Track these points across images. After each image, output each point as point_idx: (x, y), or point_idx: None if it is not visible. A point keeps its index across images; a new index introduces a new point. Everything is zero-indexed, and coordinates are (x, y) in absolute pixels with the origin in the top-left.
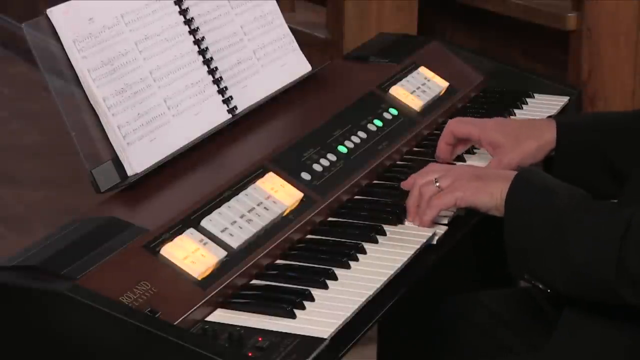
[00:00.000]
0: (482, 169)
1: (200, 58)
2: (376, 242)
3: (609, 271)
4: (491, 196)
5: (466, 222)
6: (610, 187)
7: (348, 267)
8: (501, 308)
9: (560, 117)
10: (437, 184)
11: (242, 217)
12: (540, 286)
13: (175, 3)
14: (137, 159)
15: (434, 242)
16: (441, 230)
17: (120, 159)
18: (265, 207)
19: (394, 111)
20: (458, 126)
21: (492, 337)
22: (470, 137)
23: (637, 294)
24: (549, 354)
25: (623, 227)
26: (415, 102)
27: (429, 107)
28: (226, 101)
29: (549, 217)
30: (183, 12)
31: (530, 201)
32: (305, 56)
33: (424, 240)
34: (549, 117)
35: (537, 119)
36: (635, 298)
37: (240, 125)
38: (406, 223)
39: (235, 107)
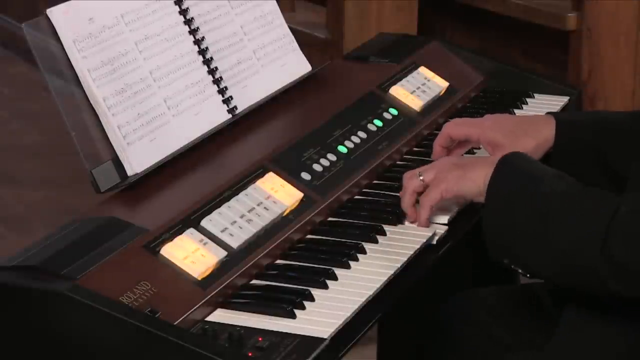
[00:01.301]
0: (464, 157)
1: (200, 58)
2: (376, 242)
3: (593, 258)
4: (474, 182)
5: (468, 220)
6: (606, 186)
7: (348, 267)
8: (500, 305)
9: (559, 114)
10: (421, 178)
11: (242, 217)
12: (520, 271)
13: (175, 3)
14: (137, 159)
15: (434, 242)
16: (441, 230)
17: (120, 159)
18: (265, 207)
19: (394, 111)
20: (455, 128)
21: (491, 336)
22: (469, 138)
23: (620, 282)
24: (551, 353)
25: (610, 213)
26: (415, 102)
27: (429, 107)
28: (226, 101)
29: (532, 201)
30: (183, 12)
31: (513, 185)
32: (305, 56)
33: (424, 240)
34: (548, 113)
35: (535, 116)
36: (618, 285)
37: (240, 125)
38: (406, 223)
39: (235, 107)
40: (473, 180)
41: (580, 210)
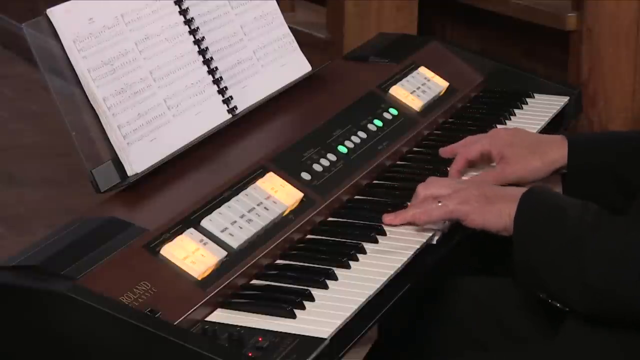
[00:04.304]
0: (487, 188)
1: (200, 58)
2: (376, 242)
3: (631, 291)
4: (499, 218)
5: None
6: (625, 205)
7: (348, 267)
8: (489, 298)
9: (571, 136)
10: (440, 204)
11: (242, 217)
12: (558, 305)
13: (175, 3)
14: (137, 159)
15: (434, 242)
16: (441, 230)
17: (120, 159)
18: (265, 207)
19: (394, 111)
20: (469, 151)
21: (469, 331)
22: (483, 151)
23: None
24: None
25: None
26: (415, 102)
27: (429, 107)
28: (226, 101)
29: (560, 238)
30: (183, 12)
31: (539, 222)
32: (305, 56)
33: (424, 240)
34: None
35: (549, 137)
36: None
37: (240, 125)
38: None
39: (235, 107)
40: (498, 215)
41: (611, 245)
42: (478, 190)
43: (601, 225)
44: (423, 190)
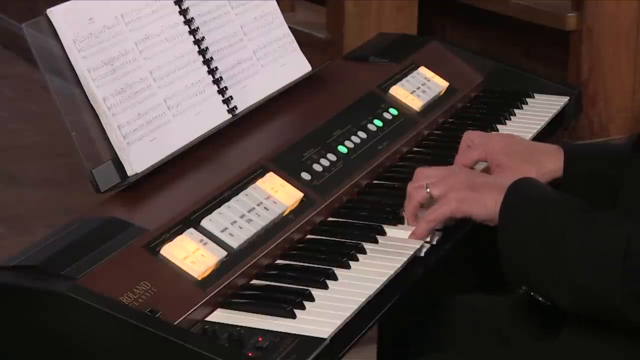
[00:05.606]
0: (475, 176)
1: (200, 58)
2: (376, 242)
3: (613, 289)
4: (485, 207)
5: (467, 222)
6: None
7: (348, 267)
8: (489, 311)
9: (567, 146)
10: (428, 190)
11: (242, 217)
12: (540, 299)
13: (175, 3)
14: (137, 159)
15: (434, 242)
16: (441, 230)
17: (120, 159)
18: (265, 207)
19: (394, 111)
20: (464, 159)
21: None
22: (479, 161)
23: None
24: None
25: (624, 243)
26: (415, 102)
27: (429, 107)
28: (226, 101)
29: (544, 232)
30: (183, 12)
31: (524, 215)
32: (305, 56)
33: (424, 241)
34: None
35: (545, 146)
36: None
37: (240, 125)
38: (406, 223)
39: (235, 107)
40: (484, 204)
41: (594, 241)
42: (466, 178)
43: (585, 222)
44: (411, 184)
